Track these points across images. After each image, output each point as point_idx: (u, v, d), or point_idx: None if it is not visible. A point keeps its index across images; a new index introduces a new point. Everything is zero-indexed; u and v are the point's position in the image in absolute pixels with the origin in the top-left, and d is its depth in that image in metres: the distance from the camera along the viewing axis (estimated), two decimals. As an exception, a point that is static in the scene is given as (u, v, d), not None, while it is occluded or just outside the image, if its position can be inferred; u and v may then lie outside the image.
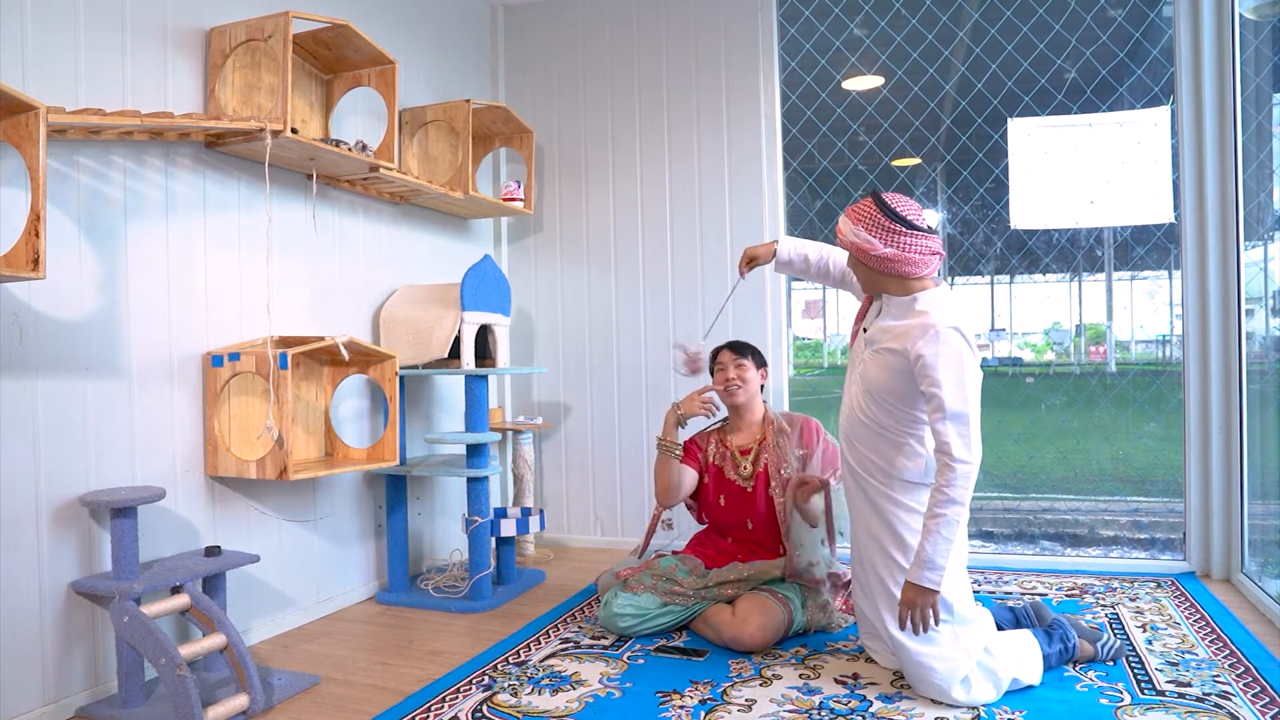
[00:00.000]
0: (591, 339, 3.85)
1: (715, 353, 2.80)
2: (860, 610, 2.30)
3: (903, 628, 2.00)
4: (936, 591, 1.94)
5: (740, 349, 2.77)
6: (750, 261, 2.55)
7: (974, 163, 3.79)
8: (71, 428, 2.12)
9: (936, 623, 1.97)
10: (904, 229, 2.02)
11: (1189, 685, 2.10)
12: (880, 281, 2.10)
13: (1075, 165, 3.25)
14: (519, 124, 3.59)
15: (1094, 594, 2.91)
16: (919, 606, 1.95)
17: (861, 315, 2.27)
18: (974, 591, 2.88)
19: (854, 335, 2.29)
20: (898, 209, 2.03)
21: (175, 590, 2.11)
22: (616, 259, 3.81)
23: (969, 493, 1.95)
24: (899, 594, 2.08)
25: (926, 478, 2.11)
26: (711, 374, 2.80)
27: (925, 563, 1.93)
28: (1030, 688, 2.11)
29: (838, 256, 2.46)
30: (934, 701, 2.05)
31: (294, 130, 2.44)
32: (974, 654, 2.05)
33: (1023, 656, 2.12)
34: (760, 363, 2.79)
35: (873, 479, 2.16)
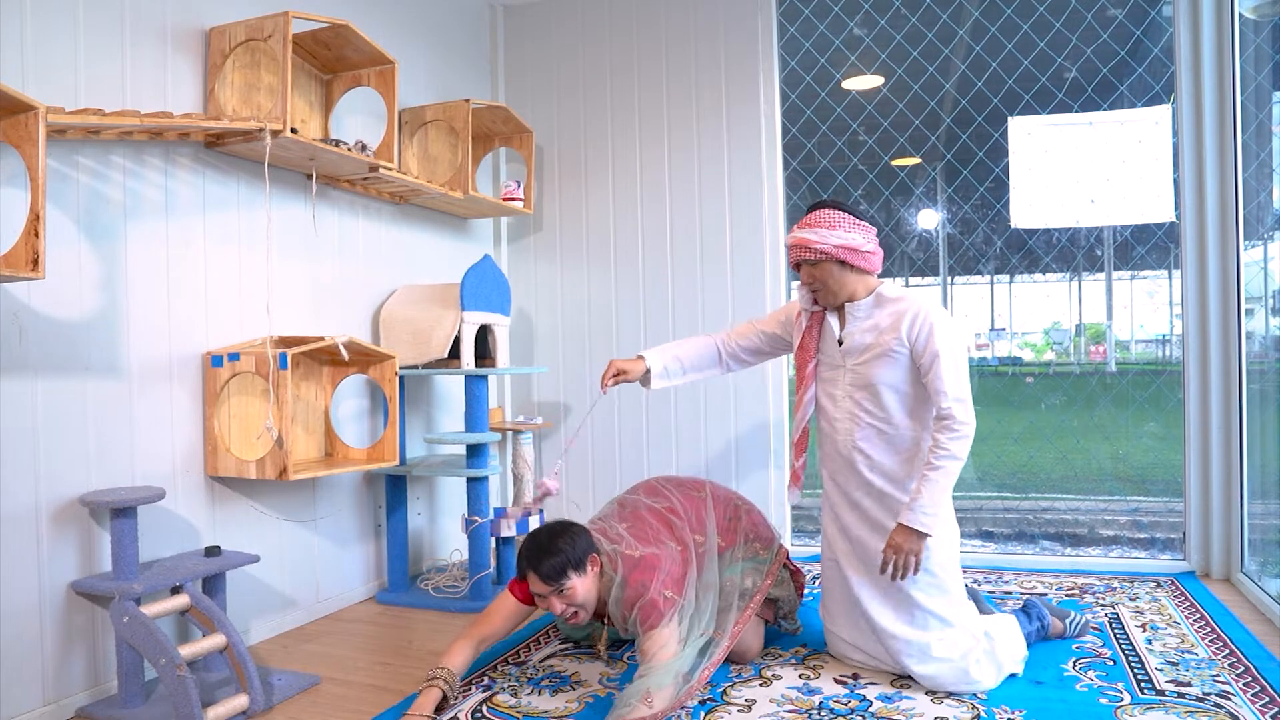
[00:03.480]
0: (591, 339, 3.85)
1: (521, 576, 2.13)
2: (861, 647, 2.27)
3: (883, 572, 2.05)
4: (927, 535, 2.00)
5: (550, 574, 2.05)
6: (617, 375, 2.34)
7: (974, 162, 3.78)
8: (71, 428, 2.12)
9: (917, 571, 2.02)
10: (870, 226, 2.16)
11: (1189, 685, 2.10)
12: (852, 285, 2.17)
13: (1076, 164, 3.25)
14: (519, 124, 3.59)
15: (1094, 594, 2.91)
16: (906, 551, 2.01)
17: (814, 343, 2.26)
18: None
19: (806, 370, 2.28)
20: (859, 209, 2.16)
21: (175, 590, 2.12)
22: (616, 258, 3.81)
23: (966, 450, 2.02)
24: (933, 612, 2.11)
25: None
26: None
27: (922, 508, 2.00)
28: (1017, 674, 2.17)
29: (698, 345, 2.45)
30: (934, 700, 2.04)
31: (294, 130, 2.44)
32: (977, 633, 2.11)
33: (1012, 638, 2.19)
34: (578, 563, 2.08)
35: (896, 494, 2.14)
